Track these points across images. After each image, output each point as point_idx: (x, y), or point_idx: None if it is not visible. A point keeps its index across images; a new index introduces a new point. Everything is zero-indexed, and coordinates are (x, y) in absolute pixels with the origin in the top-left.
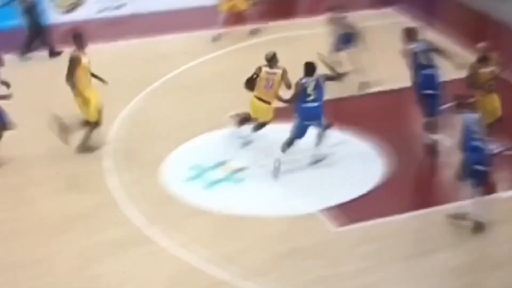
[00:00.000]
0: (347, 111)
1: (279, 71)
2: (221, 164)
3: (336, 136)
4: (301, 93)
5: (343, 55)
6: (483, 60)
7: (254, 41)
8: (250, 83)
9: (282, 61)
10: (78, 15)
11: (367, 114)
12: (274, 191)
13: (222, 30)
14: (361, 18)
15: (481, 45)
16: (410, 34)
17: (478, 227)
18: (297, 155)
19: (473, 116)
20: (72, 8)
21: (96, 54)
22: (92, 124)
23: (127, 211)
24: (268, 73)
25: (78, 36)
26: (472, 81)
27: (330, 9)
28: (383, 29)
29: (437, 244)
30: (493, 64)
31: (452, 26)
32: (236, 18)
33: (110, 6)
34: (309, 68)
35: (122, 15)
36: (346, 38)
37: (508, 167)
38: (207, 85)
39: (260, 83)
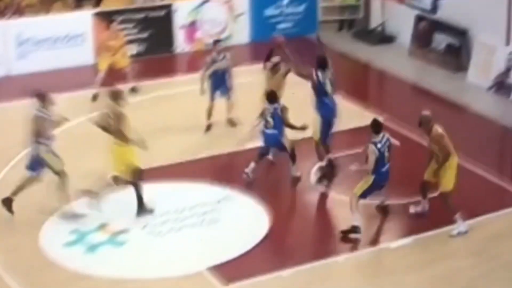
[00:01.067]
0: (228, 166)
1: None
2: (102, 226)
3: (219, 192)
4: (262, 119)
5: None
6: (421, 127)
7: (134, 99)
8: None
9: (162, 118)
10: None
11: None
12: (159, 252)
13: (101, 89)
14: (240, 73)
15: (423, 112)
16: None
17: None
18: (183, 213)
19: (381, 141)
20: None
21: None
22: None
23: (5, 279)
24: None
25: (117, 93)
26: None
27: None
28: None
29: None
30: (431, 139)
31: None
32: (115, 76)
33: None
34: (270, 96)
35: None
36: (221, 79)
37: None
38: (85, 147)
39: None
